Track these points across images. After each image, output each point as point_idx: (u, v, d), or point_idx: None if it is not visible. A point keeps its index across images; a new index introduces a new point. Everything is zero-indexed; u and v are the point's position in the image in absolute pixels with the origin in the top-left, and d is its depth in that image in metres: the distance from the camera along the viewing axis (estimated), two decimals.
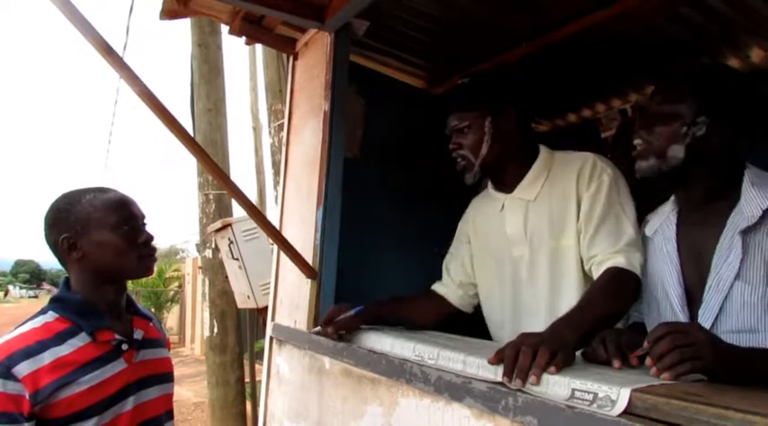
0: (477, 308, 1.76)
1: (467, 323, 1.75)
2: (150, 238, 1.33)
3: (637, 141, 1.23)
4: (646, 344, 0.91)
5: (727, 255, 1.13)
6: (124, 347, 1.28)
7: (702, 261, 1.18)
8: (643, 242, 1.37)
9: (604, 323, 1.18)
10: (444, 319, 1.73)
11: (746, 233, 1.11)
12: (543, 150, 1.57)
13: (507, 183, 1.58)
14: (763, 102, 1.22)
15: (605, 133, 2.70)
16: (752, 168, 1.19)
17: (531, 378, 0.95)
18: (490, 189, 1.65)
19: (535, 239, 1.52)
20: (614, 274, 1.31)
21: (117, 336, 1.27)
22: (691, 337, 0.88)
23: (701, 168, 1.18)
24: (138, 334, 1.33)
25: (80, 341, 1.20)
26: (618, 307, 1.28)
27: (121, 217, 1.28)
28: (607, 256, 1.35)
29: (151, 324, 1.42)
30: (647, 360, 0.90)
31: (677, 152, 1.17)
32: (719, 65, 1.65)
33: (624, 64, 2.23)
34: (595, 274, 1.37)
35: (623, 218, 1.39)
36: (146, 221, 1.35)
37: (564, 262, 1.47)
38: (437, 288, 1.77)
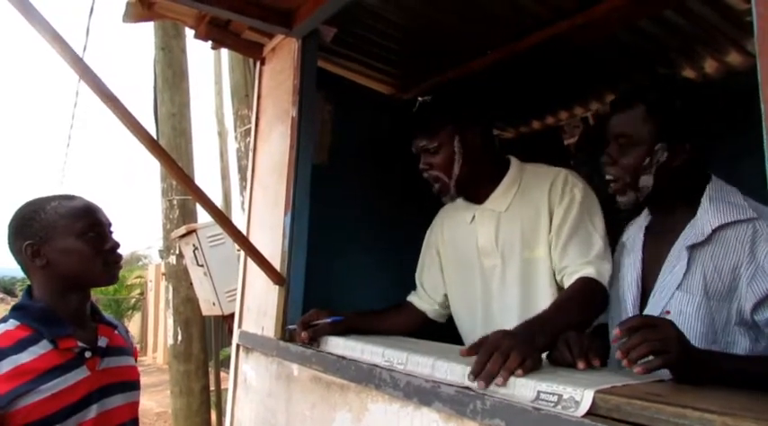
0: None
1: (440, 329, 1.77)
2: (116, 245, 1.33)
3: (608, 177, 1.28)
4: (617, 332, 0.94)
5: (673, 266, 1.19)
6: (87, 354, 1.26)
7: (656, 271, 1.24)
8: (620, 248, 1.41)
9: (572, 329, 1.20)
10: (418, 329, 1.74)
11: (694, 248, 1.17)
12: (514, 162, 1.59)
13: (478, 196, 1.59)
14: (714, 109, 1.28)
15: (568, 140, 2.76)
16: (715, 181, 1.23)
17: (498, 380, 0.97)
18: (460, 200, 1.65)
19: (507, 250, 1.54)
20: (584, 284, 1.35)
21: (80, 344, 1.25)
22: (661, 332, 0.91)
23: (669, 189, 1.24)
24: (102, 342, 1.32)
25: (41, 348, 1.19)
26: (586, 316, 1.32)
27: (87, 224, 1.27)
28: (578, 267, 1.39)
29: (116, 332, 1.41)
30: (618, 353, 0.92)
31: (647, 182, 1.22)
32: (672, 83, 1.67)
33: (586, 73, 2.30)
34: (566, 284, 1.41)
35: (593, 232, 1.42)
36: (112, 228, 1.35)
37: (535, 273, 1.49)
38: (412, 299, 1.78)
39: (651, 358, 0.89)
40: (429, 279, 1.76)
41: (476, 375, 1.00)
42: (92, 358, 1.27)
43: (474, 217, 1.60)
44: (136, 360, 1.47)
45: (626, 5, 1.73)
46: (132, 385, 1.39)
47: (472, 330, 1.64)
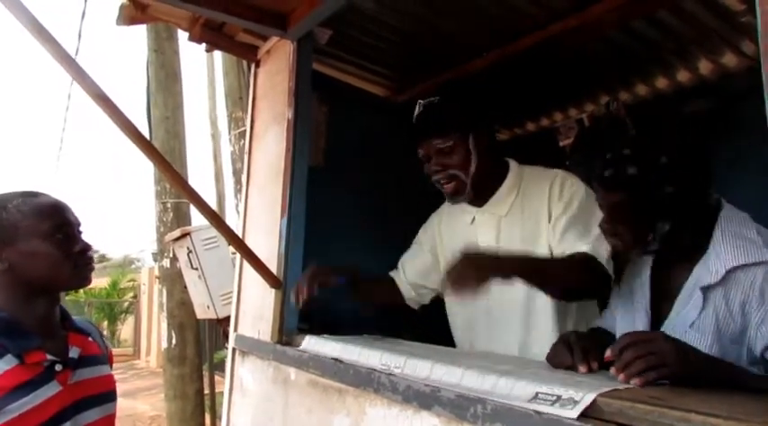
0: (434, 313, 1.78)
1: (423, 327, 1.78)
2: (87, 247, 1.22)
3: (612, 242, 1.22)
4: (609, 353, 0.93)
5: (685, 304, 1.15)
6: (58, 368, 1.15)
7: (666, 303, 1.21)
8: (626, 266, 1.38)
9: (551, 282, 1.25)
10: (391, 305, 1.80)
11: (707, 289, 1.12)
12: (513, 164, 1.60)
13: (480, 198, 1.59)
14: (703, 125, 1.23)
15: (563, 141, 2.76)
16: (726, 209, 1.17)
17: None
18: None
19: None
20: (578, 257, 1.36)
21: (49, 357, 1.14)
22: (655, 345, 0.90)
23: (674, 227, 1.16)
24: (73, 352, 1.21)
25: (6, 364, 1.07)
26: (572, 279, 1.32)
27: (54, 224, 1.16)
28: (575, 247, 1.39)
29: (90, 339, 1.30)
30: (613, 370, 0.92)
31: (662, 229, 1.14)
32: (650, 126, 1.52)
33: (581, 74, 2.30)
34: None
35: (591, 223, 1.39)
36: (81, 228, 1.24)
37: None
38: (394, 276, 1.81)
39: (648, 372, 0.88)
40: (412, 269, 1.78)
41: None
42: (63, 371, 1.16)
43: (474, 219, 1.60)
44: (111, 366, 1.37)
45: (620, 6, 1.74)
46: (108, 396, 1.28)
47: (469, 327, 1.65)
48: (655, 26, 1.92)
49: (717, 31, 1.92)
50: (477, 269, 1.15)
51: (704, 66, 2.14)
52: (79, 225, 1.23)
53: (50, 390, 1.12)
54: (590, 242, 1.38)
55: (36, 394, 1.09)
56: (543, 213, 1.49)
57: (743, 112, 1.97)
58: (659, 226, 1.14)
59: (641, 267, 1.30)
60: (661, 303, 1.23)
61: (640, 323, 1.24)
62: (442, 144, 1.50)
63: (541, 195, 1.50)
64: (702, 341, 1.11)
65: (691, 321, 1.13)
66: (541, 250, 1.48)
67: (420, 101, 1.56)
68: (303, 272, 1.61)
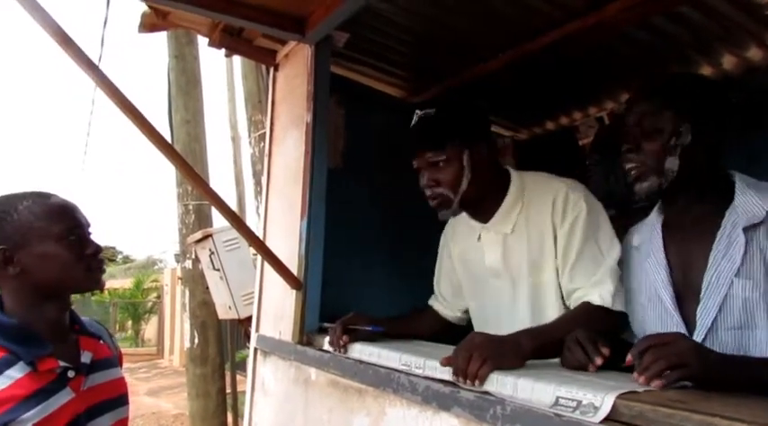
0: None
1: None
2: (99, 249, 1.18)
3: (630, 165, 1.24)
4: (630, 358, 0.93)
5: (725, 251, 1.14)
6: (70, 374, 1.11)
7: (693, 264, 1.20)
8: (629, 252, 1.39)
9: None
10: (442, 333, 1.72)
11: (747, 230, 1.12)
12: (514, 175, 1.54)
13: (483, 213, 1.54)
14: (733, 107, 1.25)
15: (583, 140, 2.74)
16: (739, 174, 1.21)
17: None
18: (466, 216, 1.60)
19: (515, 273, 1.51)
20: (588, 309, 1.33)
21: (61, 363, 1.10)
22: (675, 347, 0.89)
23: (692, 176, 1.20)
24: (85, 357, 1.17)
25: (18, 372, 1.04)
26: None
27: (67, 226, 1.13)
28: (583, 291, 1.37)
29: (101, 342, 1.26)
30: (634, 375, 0.91)
31: (673, 164, 1.18)
32: (689, 73, 1.65)
33: (600, 72, 2.28)
34: (572, 306, 1.40)
35: (597, 252, 1.38)
36: (91, 230, 1.20)
37: (544, 298, 1.47)
38: (434, 304, 1.77)
39: (669, 372, 0.88)
40: (446, 286, 1.74)
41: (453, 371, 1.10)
42: (75, 377, 1.12)
43: (480, 236, 1.57)
44: (121, 366, 1.34)
45: (639, 3, 1.72)
46: (121, 400, 1.25)
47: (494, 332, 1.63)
48: (676, 22, 1.90)
49: (742, 25, 1.88)
50: (489, 357, 1.08)
51: (728, 61, 2.11)
52: (89, 226, 1.20)
53: (63, 398, 1.09)
54: (598, 281, 1.35)
55: (49, 403, 1.06)
56: (548, 232, 1.44)
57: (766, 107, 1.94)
58: (671, 160, 1.18)
59: (650, 248, 1.30)
60: (682, 274, 1.22)
61: (667, 297, 1.22)
62: (435, 157, 1.44)
63: (545, 213, 1.45)
64: (755, 287, 1.09)
65: (735, 268, 1.12)
66: (548, 269, 1.45)
67: (417, 111, 1.51)
68: (342, 319, 1.57)
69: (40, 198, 1.14)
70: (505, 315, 1.54)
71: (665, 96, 1.19)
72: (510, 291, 1.52)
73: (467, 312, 1.73)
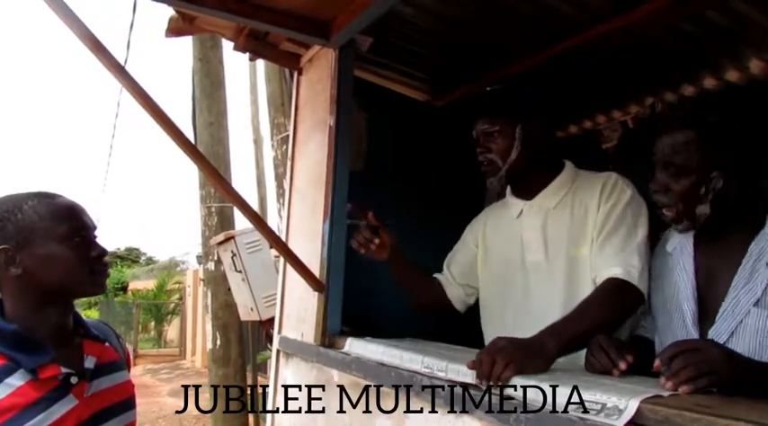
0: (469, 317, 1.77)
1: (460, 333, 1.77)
2: (104, 252, 1.16)
3: (661, 205, 1.23)
4: (658, 363, 0.92)
5: (747, 281, 1.13)
6: (73, 380, 1.08)
7: (717, 284, 1.19)
8: (663, 257, 1.39)
9: (595, 332, 1.21)
10: (435, 308, 1.79)
11: None
12: (568, 165, 1.61)
13: (529, 191, 1.60)
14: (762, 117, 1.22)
15: (606, 144, 2.71)
16: None
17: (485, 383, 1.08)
18: (509, 196, 1.68)
19: (552, 246, 1.54)
20: (610, 285, 1.35)
21: (63, 370, 1.06)
22: (704, 354, 0.89)
23: (724, 213, 1.18)
24: (89, 362, 1.13)
25: (19, 380, 1.01)
26: (609, 318, 1.31)
27: (72, 227, 1.09)
28: (608, 266, 1.38)
29: (107, 345, 1.22)
30: (662, 380, 0.91)
31: (704, 210, 1.17)
32: (719, 103, 1.54)
33: (625, 76, 2.26)
34: (598, 283, 1.40)
35: (633, 235, 1.41)
36: (96, 232, 1.17)
37: (581, 271, 1.49)
38: (439, 277, 1.80)
39: (698, 379, 0.87)
40: (459, 267, 1.77)
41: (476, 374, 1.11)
42: (79, 383, 1.09)
43: (522, 211, 1.61)
44: (130, 369, 1.29)
45: (665, 7, 1.70)
46: (127, 404, 1.21)
47: (500, 324, 1.63)
48: (702, 26, 1.88)
49: None
50: (513, 361, 1.09)
51: (755, 65, 2.08)
52: (95, 229, 1.17)
53: (66, 405, 1.05)
54: (626, 257, 1.37)
55: (51, 411, 1.02)
56: (593, 207, 1.49)
57: None
58: (703, 208, 1.16)
59: (680, 257, 1.29)
60: (706, 290, 1.22)
61: (689, 311, 1.22)
62: (489, 128, 1.54)
63: (593, 193, 1.51)
64: None
65: (755, 298, 1.11)
66: (586, 244, 1.48)
67: (487, 88, 1.63)
68: (364, 223, 1.69)
69: (46, 198, 1.11)
70: (536, 294, 1.55)
71: (697, 136, 1.15)
72: (545, 266, 1.55)
73: (469, 296, 1.77)
